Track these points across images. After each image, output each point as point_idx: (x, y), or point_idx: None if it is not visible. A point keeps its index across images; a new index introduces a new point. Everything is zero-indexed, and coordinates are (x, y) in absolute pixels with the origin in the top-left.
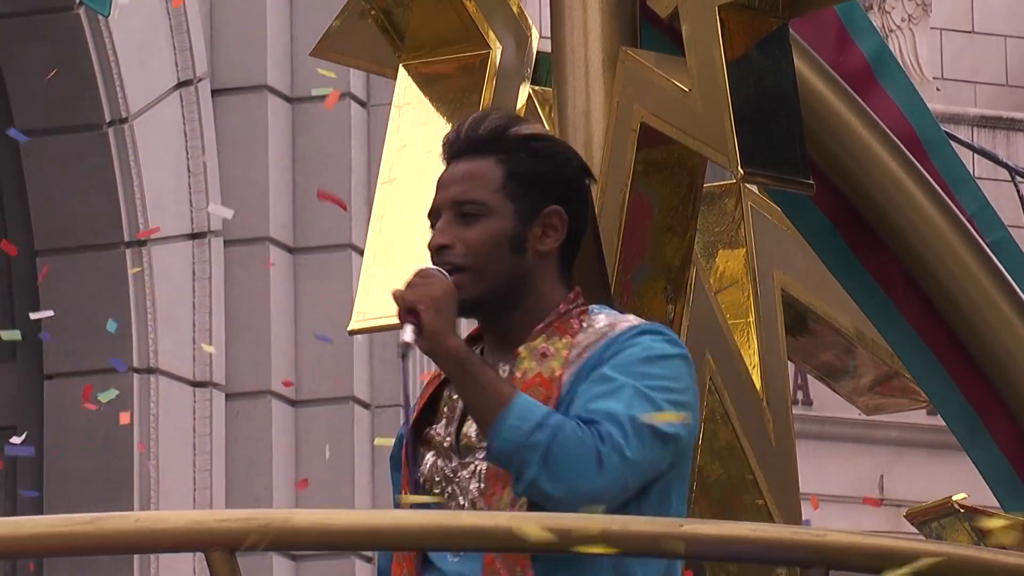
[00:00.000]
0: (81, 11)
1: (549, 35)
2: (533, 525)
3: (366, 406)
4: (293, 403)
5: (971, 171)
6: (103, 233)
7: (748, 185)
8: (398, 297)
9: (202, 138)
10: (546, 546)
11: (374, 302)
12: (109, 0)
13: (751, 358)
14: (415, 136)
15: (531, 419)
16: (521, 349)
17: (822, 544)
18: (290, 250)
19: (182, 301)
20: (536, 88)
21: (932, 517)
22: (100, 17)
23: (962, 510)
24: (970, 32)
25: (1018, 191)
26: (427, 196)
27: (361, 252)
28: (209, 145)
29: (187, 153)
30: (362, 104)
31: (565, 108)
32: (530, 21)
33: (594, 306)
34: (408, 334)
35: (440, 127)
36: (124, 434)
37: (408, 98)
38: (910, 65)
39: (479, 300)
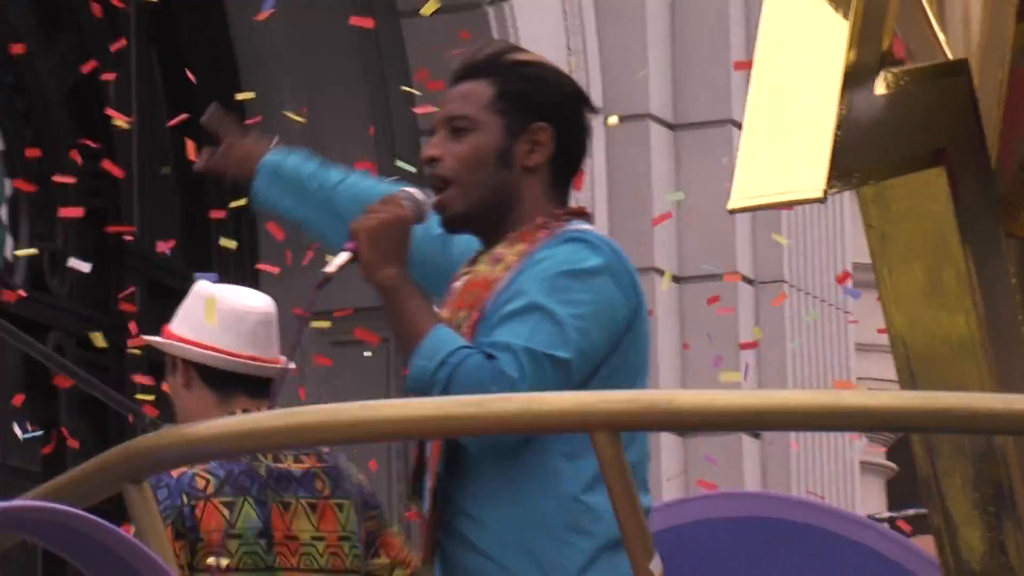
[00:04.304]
0: None
1: None
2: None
3: (751, 282)
4: (678, 280)
5: None
6: None
7: None
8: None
9: (581, 16)
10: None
11: (755, 179)
12: None
13: None
14: (791, 15)
15: (436, 357)
16: (485, 254)
17: None
18: (671, 127)
19: None
20: None
21: None
22: None
23: None
24: None
25: None
26: (804, 75)
27: (740, 127)
28: (588, 23)
29: (567, 31)
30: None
31: None
32: None
33: (576, 221)
34: (334, 263)
35: (816, 4)
36: None
37: None
38: None
39: (466, 215)
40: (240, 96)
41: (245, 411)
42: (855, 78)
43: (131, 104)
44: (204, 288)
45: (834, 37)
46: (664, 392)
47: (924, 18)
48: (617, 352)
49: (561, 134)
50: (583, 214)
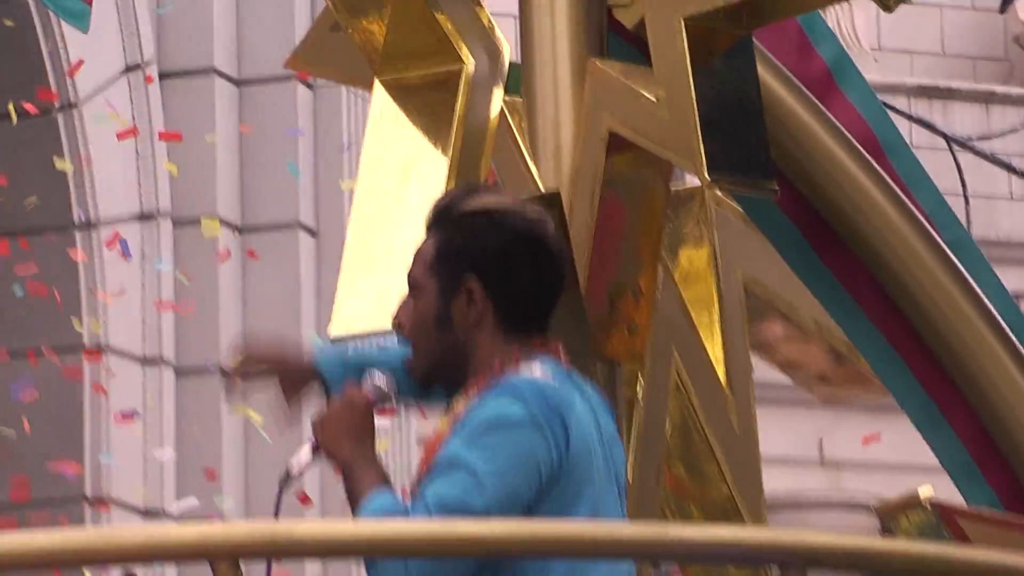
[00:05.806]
0: None
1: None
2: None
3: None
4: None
5: (909, 140)
6: (53, 218)
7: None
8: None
9: (150, 121)
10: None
11: (353, 309)
12: (87, 15)
13: (714, 351)
14: (391, 150)
15: (365, 511)
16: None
17: (800, 545)
18: (238, 229)
19: (132, 283)
20: (507, 99)
21: (901, 512)
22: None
23: (930, 507)
24: (907, 2)
25: (955, 160)
26: (402, 208)
27: (308, 230)
28: (157, 128)
29: (135, 137)
30: (308, 86)
31: (535, 118)
32: (501, 35)
33: (539, 358)
34: (298, 461)
35: (415, 140)
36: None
37: (384, 112)
38: (847, 36)
39: (427, 375)
40: None
41: None
42: None
43: None
44: None
45: (434, 169)
46: (286, 523)
47: (517, 150)
48: (545, 502)
49: (494, 283)
50: (545, 348)
